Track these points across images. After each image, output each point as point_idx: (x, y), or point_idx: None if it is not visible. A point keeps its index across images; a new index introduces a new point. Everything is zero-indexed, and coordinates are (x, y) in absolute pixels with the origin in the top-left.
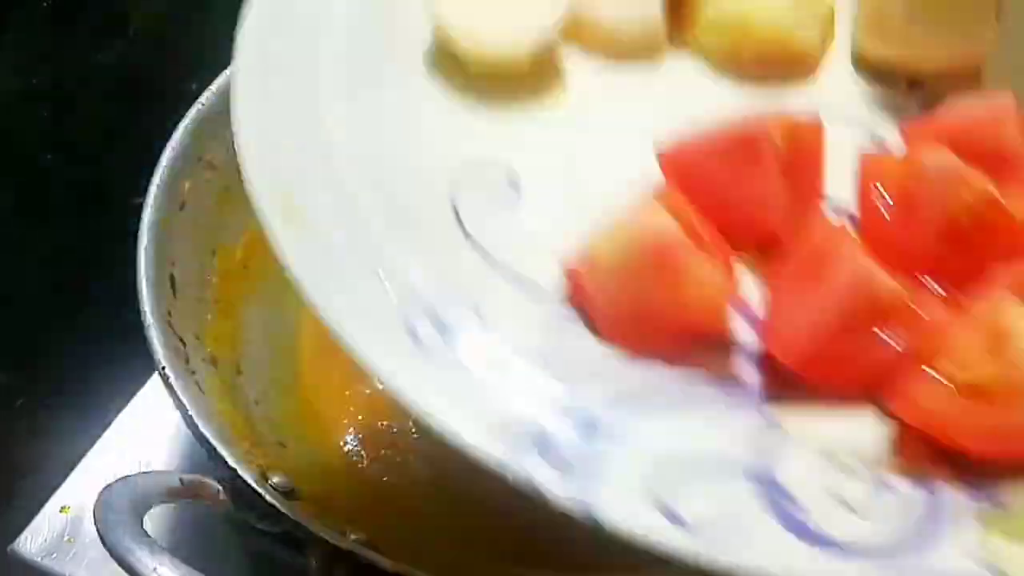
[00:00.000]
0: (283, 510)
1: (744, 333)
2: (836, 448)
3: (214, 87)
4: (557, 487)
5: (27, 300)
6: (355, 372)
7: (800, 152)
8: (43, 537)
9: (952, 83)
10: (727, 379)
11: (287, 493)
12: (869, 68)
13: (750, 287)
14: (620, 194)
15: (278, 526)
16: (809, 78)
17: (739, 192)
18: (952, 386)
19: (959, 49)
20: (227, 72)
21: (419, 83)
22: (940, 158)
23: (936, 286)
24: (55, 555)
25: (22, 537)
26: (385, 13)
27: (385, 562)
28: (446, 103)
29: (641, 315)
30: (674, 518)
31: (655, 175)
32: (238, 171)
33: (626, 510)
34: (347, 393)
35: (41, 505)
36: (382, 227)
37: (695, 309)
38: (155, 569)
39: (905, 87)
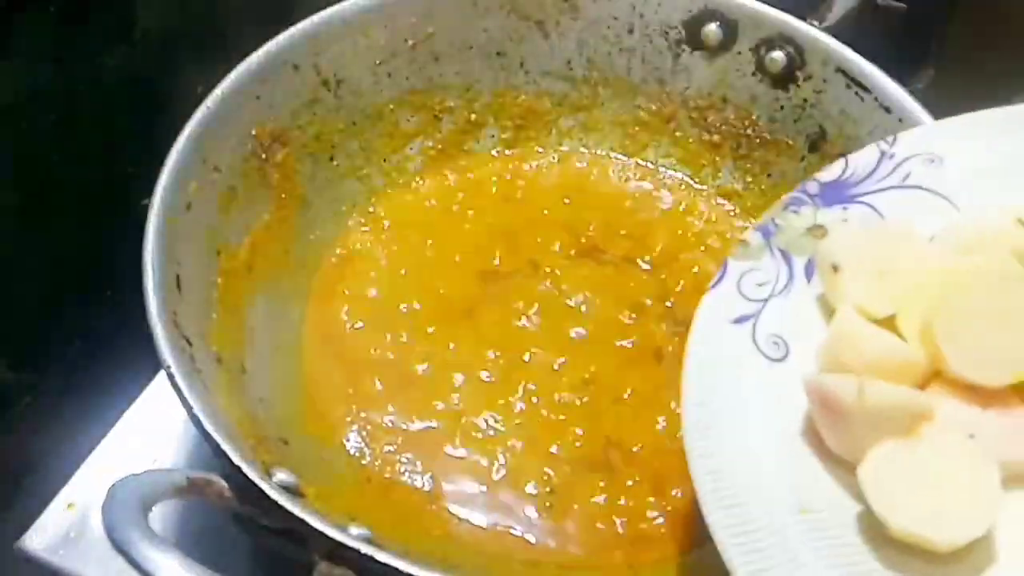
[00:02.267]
0: (287, 506)
1: None
2: None
3: (219, 90)
4: None
5: (34, 299)
6: (356, 369)
7: None
8: (50, 534)
9: None
10: None
11: (291, 490)
12: None
13: None
14: None
15: (283, 522)
16: None
17: None
18: None
19: None
20: (232, 75)
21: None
22: None
23: None
24: (61, 552)
25: (29, 534)
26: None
27: (387, 557)
28: None
29: None
30: None
31: None
32: (241, 172)
33: None
34: (349, 391)
35: (48, 502)
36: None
37: None
38: (161, 564)
39: None
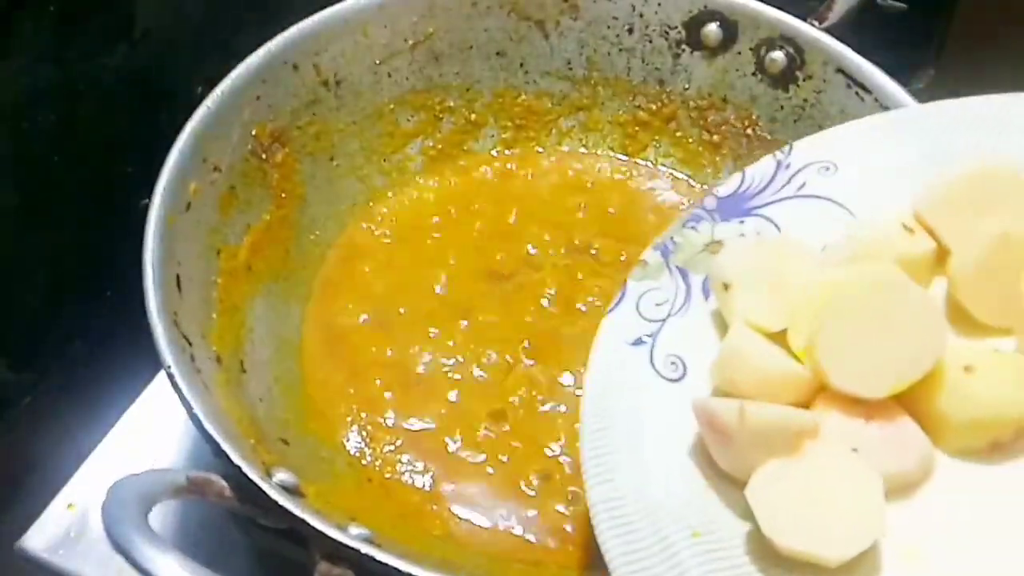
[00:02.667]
0: (287, 506)
1: None
2: None
3: (219, 89)
4: None
5: (34, 299)
6: (356, 369)
7: None
8: (50, 534)
9: None
10: None
11: (291, 490)
12: None
13: None
14: None
15: (282, 522)
16: None
17: None
18: None
19: None
20: (232, 75)
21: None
22: None
23: None
24: (61, 551)
25: (29, 534)
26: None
27: (387, 558)
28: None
29: None
30: None
31: None
32: (241, 172)
33: None
34: (350, 391)
35: (47, 502)
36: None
37: None
38: (160, 564)
39: None
